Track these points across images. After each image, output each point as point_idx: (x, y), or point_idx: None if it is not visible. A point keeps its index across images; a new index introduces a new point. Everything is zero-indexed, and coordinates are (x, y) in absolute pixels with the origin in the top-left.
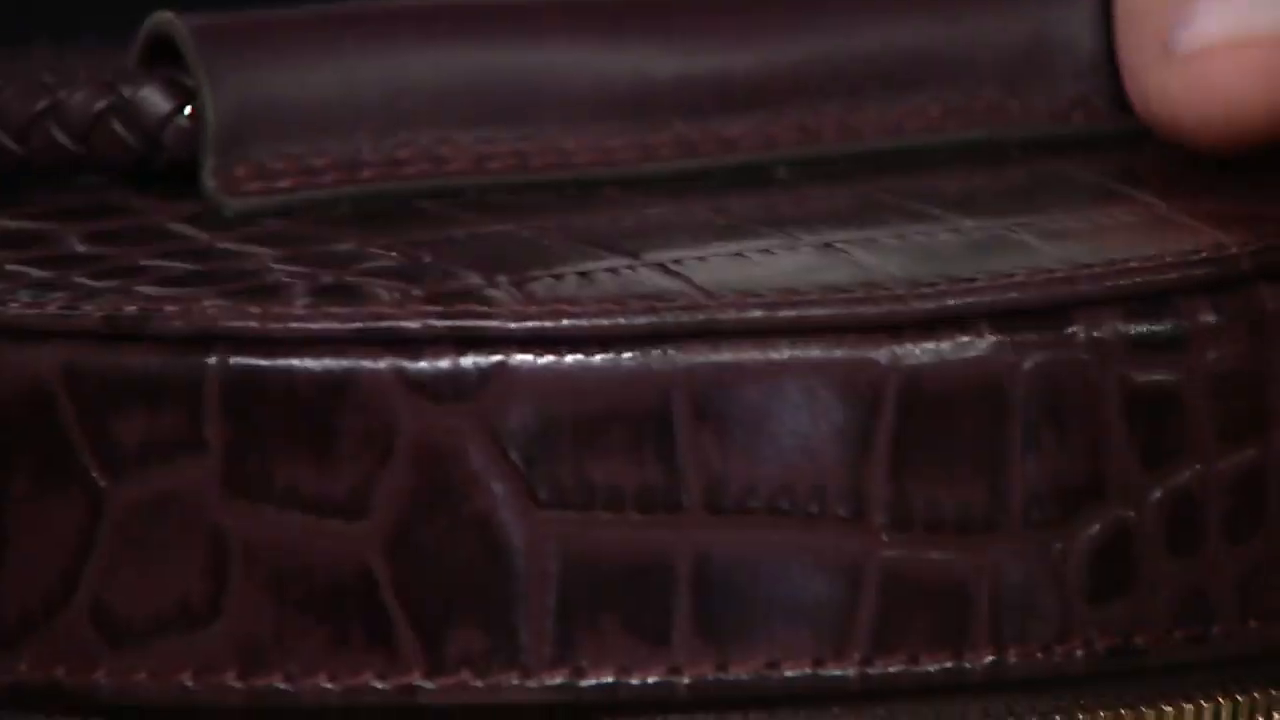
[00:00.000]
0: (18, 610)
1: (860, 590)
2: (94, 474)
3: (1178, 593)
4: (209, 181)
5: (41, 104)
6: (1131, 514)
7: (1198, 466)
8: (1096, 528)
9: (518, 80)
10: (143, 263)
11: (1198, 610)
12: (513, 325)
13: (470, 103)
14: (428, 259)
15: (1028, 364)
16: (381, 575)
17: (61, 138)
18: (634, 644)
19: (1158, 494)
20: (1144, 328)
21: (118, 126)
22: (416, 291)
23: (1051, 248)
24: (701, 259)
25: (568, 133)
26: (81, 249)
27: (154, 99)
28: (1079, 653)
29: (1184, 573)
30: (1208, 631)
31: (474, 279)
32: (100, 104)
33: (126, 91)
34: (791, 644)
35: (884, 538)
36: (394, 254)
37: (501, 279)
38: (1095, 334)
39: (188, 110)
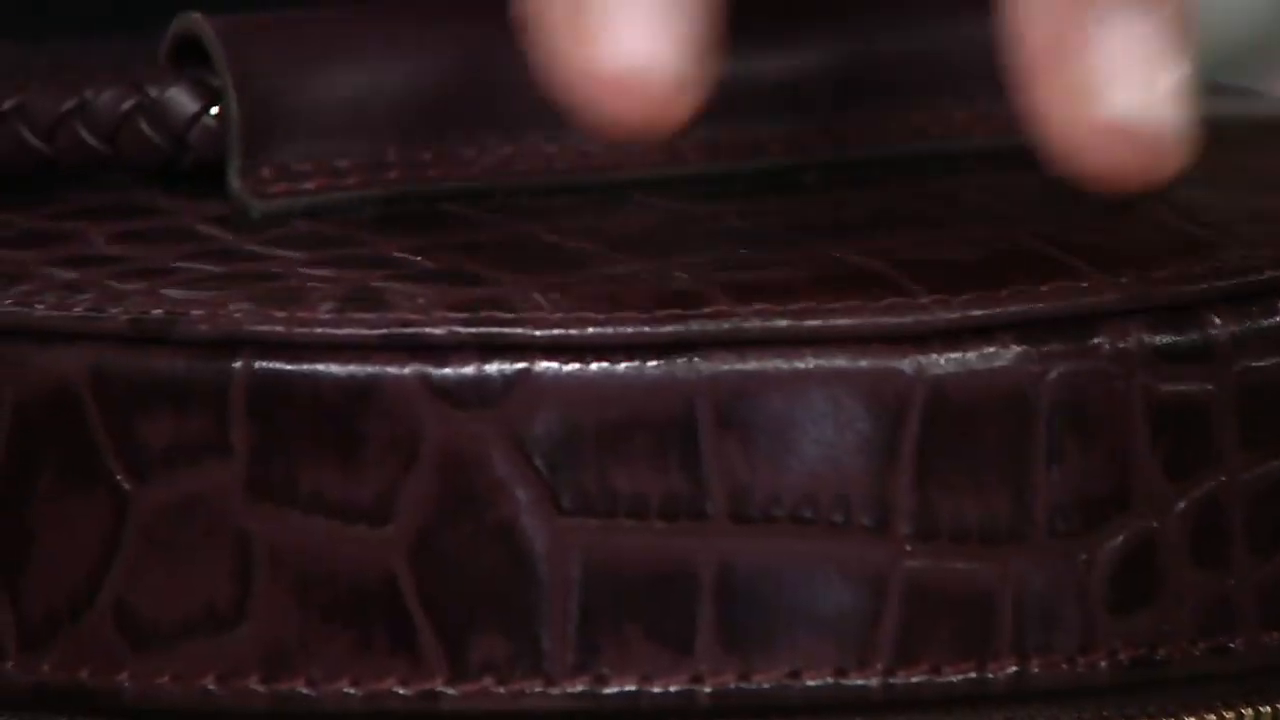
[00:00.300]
0: (42, 611)
1: (884, 600)
2: (119, 477)
3: (1202, 604)
4: (235, 182)
5: (69, 103)
6: (1156, 525)
7: (1222, 478)
8: (1121, 539)
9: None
10: (169, 264)
11: (1221, 622)
12: (537, 332)
13: (496, 104)
14: (453, 264)
15: (1052, 374)
16: (405, 581)
17: (88, 137)
18: (656, 652)
19: (1182, 505)
20: (1169, 339)
21: (145, 126)
22: (441, 298)
23: (1077, 258)
24: (727, 266)
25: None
26: (108, 249)
27: (181, 99)
28: (1102, 664)
29: (1208, 584)
30: (1231, 643)
31: (499, 285)
32: (127, 104)
33: (153, 91)
34: (814, 653)
35: (908, 548)
36: (419, 258)
37: (526, 285)
38: (1120, 345)
39: (214, 110)
